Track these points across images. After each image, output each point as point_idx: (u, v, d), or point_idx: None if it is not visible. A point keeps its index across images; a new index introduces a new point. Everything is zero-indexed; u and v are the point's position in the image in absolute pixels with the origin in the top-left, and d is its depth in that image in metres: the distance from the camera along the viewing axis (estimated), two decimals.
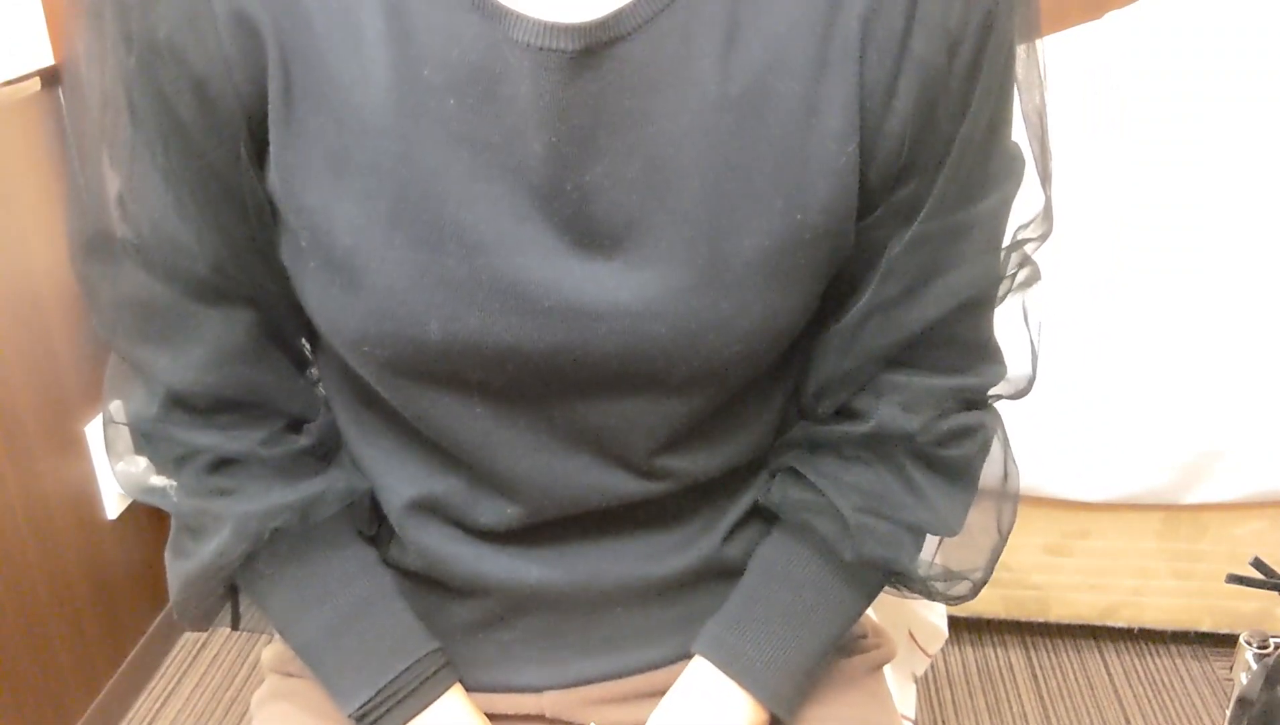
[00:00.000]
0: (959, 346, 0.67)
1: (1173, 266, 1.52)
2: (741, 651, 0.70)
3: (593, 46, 0.55)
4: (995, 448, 0.73)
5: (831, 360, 0.67)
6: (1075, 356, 1.51)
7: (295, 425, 0.70)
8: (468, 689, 0.73)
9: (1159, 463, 1.52)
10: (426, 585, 0.72)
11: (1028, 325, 0.70)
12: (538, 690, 0.74)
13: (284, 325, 0.67)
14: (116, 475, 0.69)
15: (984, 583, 0.74)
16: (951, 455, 0.69)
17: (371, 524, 0.73)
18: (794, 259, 0.60)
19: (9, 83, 1.43)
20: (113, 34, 0.57)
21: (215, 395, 0.65)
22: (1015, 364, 0.71)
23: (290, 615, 0.71)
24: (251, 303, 0.64)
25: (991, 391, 0.71)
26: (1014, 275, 0.68)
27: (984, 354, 0.70)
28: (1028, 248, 0.68)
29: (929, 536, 0.72)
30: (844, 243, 0.62)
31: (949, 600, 0.75)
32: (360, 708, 0.69)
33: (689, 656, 0.72)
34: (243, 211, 0.60)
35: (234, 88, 0.57)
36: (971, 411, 0.70)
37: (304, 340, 0.71)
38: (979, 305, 0.67)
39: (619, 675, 0.74)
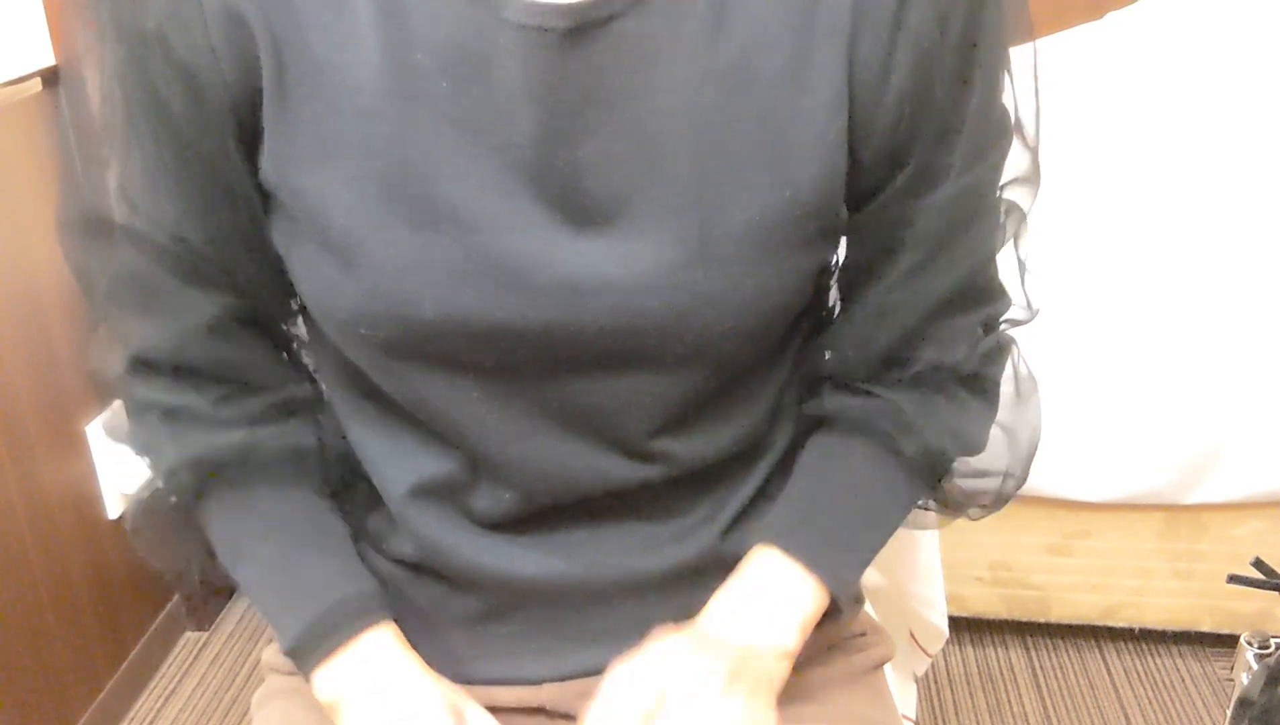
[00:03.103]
0: (977, 290, 0.70)
1: (1173, 266, 1.52)
2: (808, 539, 0.69)
3: (583, 25, 0.56)
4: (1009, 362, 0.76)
5: (858, 344, 0.69)
6: (1076, 356, 1.51)
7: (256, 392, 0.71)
8: (467, 682, 0.73)
9: (1159, 463, 1.52)
10: (426, 579, 0.73)
11: (1017, 253, 0.72)
12: (536, 683, 0.74)
13: (264, 312, 0.68)
14: (103, 425, 0.73)
15: (1018, 487, 0.76)
16: (989, 373, 0.72)
17: (328, 483, 0.73)
18: (784, 235, 0.61)
19: (9, 83, 1.43)
20: (107, 28, 0.58)
21: (178, 363, 0.67)
22: (1016, 293, 0.75)
23: (236, 554, 0.71)
24: (230, 287, 0.65)
25: (1003, 318, 0.73)
26: (1005, 221, 0.70)
27: (996, 289, 0.72)
28: (1017, 199, 0.69)
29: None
30: (833, 222, 0.63)
31: (977, 507, 0.76)
32: (290, 645, 0.68)
33: None
34: (231, 201, 0.61)
35: (221, 78, 0.58)
36: (994, 333, 0.72)
37: (295, 331, 0.72)
38: (991, 256, 0.69)
39: None
